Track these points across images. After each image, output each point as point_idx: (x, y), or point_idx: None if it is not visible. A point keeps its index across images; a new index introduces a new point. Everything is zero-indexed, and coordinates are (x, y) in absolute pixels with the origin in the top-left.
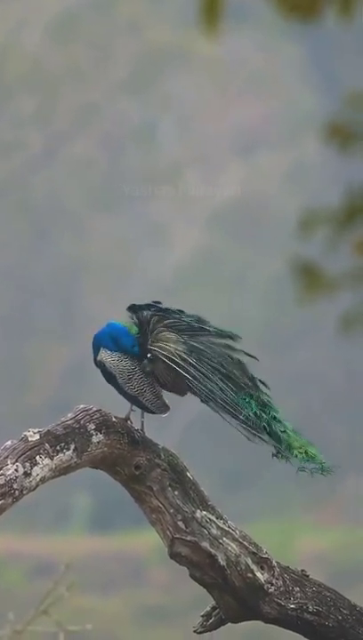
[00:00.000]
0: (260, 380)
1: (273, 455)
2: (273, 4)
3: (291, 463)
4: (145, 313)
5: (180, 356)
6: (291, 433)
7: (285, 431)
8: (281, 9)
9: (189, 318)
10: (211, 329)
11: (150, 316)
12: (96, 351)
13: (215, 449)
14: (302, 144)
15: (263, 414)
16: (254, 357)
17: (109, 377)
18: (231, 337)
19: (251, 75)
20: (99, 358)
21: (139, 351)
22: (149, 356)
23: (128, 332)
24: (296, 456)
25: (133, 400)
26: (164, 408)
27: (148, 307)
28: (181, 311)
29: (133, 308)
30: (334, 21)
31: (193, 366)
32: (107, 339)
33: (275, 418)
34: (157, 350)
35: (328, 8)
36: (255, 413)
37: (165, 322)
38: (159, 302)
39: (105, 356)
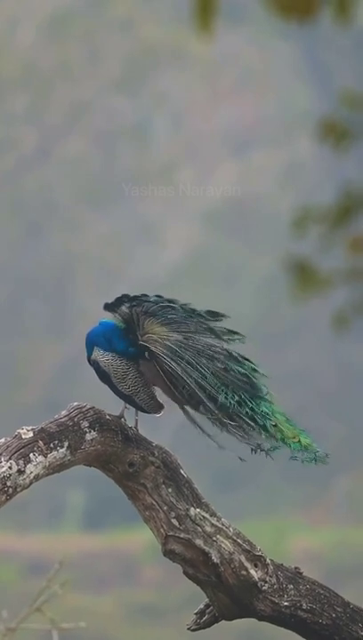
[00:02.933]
0: (254, 367)
1: (253, 451)
2: (269, 4)
3: (271, 457)
4: (124, 308)
5: (168, 346)
6: (283, 424)
7: (276, 425)
8: (277, 10)
9: (155, 298)
10: (177, 305)
11: (129, 308)
12: (90, 350)
13: (207, 448)
14: (295, 142)
15: (247, 402)
16: (238, 333)
17: (103, 376)
18: (206, 316)
19: (244, 73)
20: (93, 357)
21: (134, 351)
22: (146, 354)
23: (121, 332)
24: (289, 445)
25: (128, 399)
26: (158, 408)
27: (120, 301)
28: (146, 295)
29: (110, 308)
30: (330, 22)
31: (178, 355)
32: (100, 338)
33: (262, 411)
34: (149, 346)
35: (324, 9)
36: (238, 401)
37: (144, 310)
38: (127, 295)
39: (99, 355)
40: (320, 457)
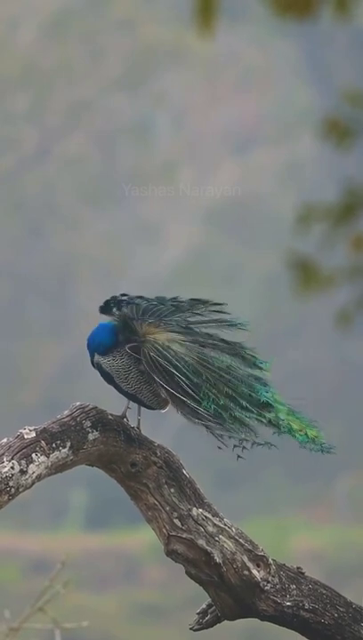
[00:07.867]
0: (254, 357)
1: (235, 446)
2: (268, 2)
3: (244, 449)
4: (115, 311)
5: (170, 347)
6: (287, 417)
7: (278, 416)
8: (276, 7)
9: (126, 296)
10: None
11: (119, 311)
12: (91, 354)
13: (209, 447)
14: (296, 141)
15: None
16: (221, 304)
17: (107, 377)
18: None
19: (245, 72)
20: (95, 360)
21: (123, 343)
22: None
23: (114, 331)
24: (297, 437)
25: (133, 398)
26: (163, 404)
27: (109, 306)
28: (123, 295)
29: (104, 311)
30: (329, 19)
31: (182, 358)
32: (97, 341)
33: (269, 405)
34: (150, 346)
35: (324, 6)
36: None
37: (133, 311)
38: (113, 297)
39: (100, 358)
40: (326, 448)
